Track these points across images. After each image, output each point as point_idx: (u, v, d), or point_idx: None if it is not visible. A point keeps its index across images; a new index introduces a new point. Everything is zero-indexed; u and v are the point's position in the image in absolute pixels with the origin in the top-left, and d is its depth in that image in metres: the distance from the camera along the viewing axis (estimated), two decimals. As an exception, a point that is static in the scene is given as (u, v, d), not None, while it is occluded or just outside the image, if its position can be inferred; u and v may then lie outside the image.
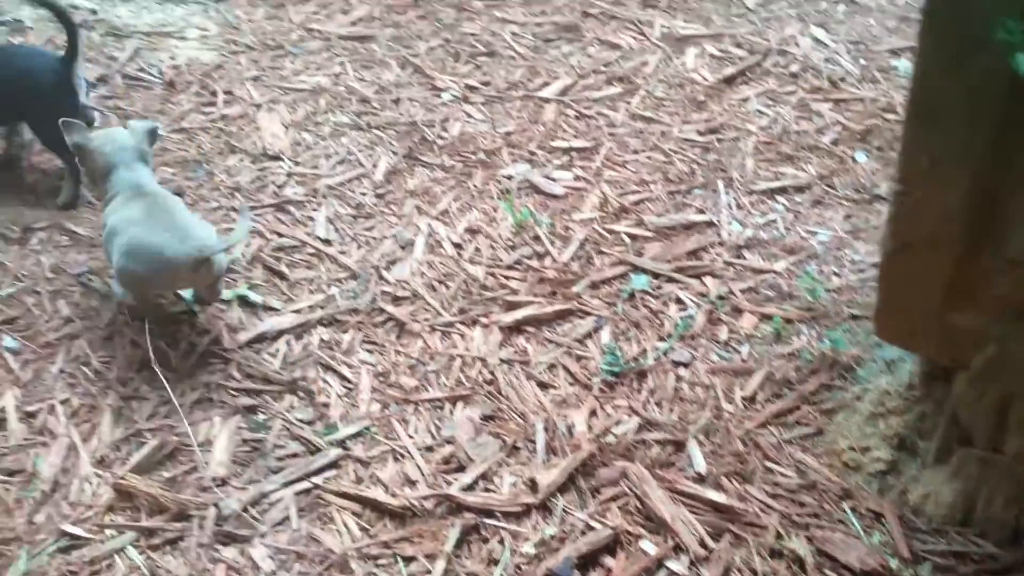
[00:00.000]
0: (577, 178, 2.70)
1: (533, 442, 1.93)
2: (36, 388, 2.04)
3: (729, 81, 3.10)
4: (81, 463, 1.89)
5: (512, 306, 2.27)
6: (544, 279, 2.34)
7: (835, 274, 2.35)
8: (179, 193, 2.64)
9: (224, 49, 3.42)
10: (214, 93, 3.11)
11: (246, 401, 2.04)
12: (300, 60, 3.36)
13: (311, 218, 2.59)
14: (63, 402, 2.01)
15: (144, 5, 3.73)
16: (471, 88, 3.14)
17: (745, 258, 2.41)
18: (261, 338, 2.20)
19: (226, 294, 2.28)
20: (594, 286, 2.33)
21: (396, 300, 2.31)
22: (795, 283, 2.31)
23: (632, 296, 2.29)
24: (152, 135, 2.28)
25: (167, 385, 2.03)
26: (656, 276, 2.34)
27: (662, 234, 2.49)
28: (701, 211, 2.56)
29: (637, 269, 2.36)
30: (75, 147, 2.22)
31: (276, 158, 2.80)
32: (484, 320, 2.24)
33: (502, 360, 2.13)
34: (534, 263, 2.40)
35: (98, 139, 2.22)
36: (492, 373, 2.10)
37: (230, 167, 2.77)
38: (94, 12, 3.52)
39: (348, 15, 3.69)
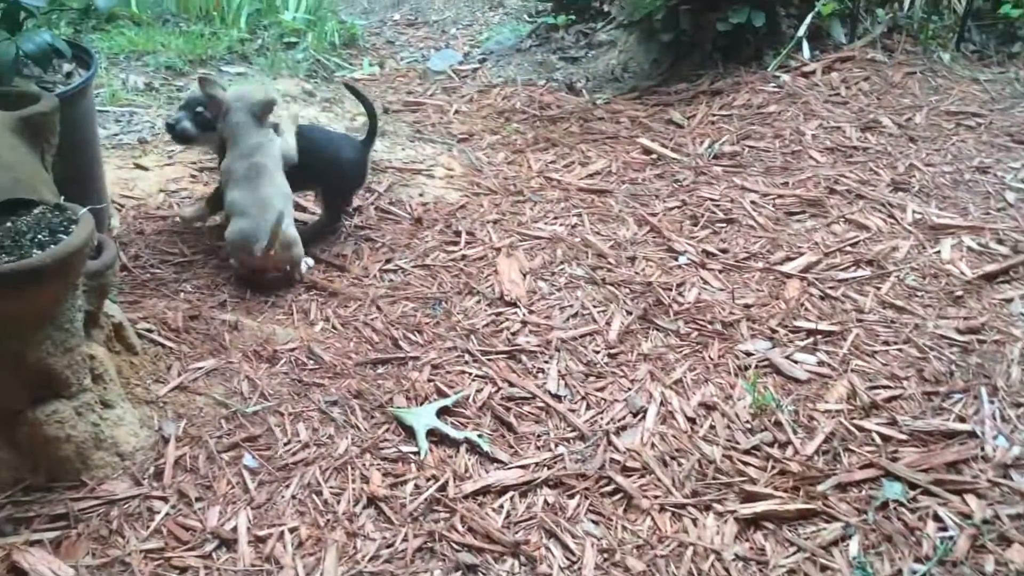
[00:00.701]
0: (822, 363, 2.56)
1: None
2: (268, 512, 2.06)
3: (990, 278, 2.90)
4: (302, 597, 1.87)
5: (750, 496, 2.13)
6: (786, 471, 2.19)
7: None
8: (418, 330, 2.69)
9: (468, 190, 3.54)
10: (457, 233, 3.19)
11: (468, 558, 1.97)
12: (539, 207, 3.42)
13: (542, 370, 2.56)
14: (292, 530, 2.01)
15: (397, 142, 3.94)
16: (708, 254, 3.09)
17: (1013, 479, 2.18)
18: (486, 491, 2.15)
19: (457, 435, 2.27)
20: (841, 487, 2.15)
21: (625, 470, 2.22)
22: (1074, 517, 2.06)
23: (885, 505, 2.10)
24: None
25: (392, 527, 2.00)
26: (912, 486, 2.15)
27: (918, 439, 2.29)
28: (962, 419, 2.36)
29: (890, 475, 2.17)
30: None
31: (512, 304, 2.82)
32: (718, 507, 2.10)
33: (737, 556, 1.99)
34: (775, 452, 2.26)
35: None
36: (727, 570, 1.95)
37: (467, 308, 2.81)
38: (356, 145, 3.74)
39: (586, 167, 3.76)
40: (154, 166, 3.55)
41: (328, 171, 3.11)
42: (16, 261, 1.79)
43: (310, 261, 2.97)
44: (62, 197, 2.07)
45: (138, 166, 3.53)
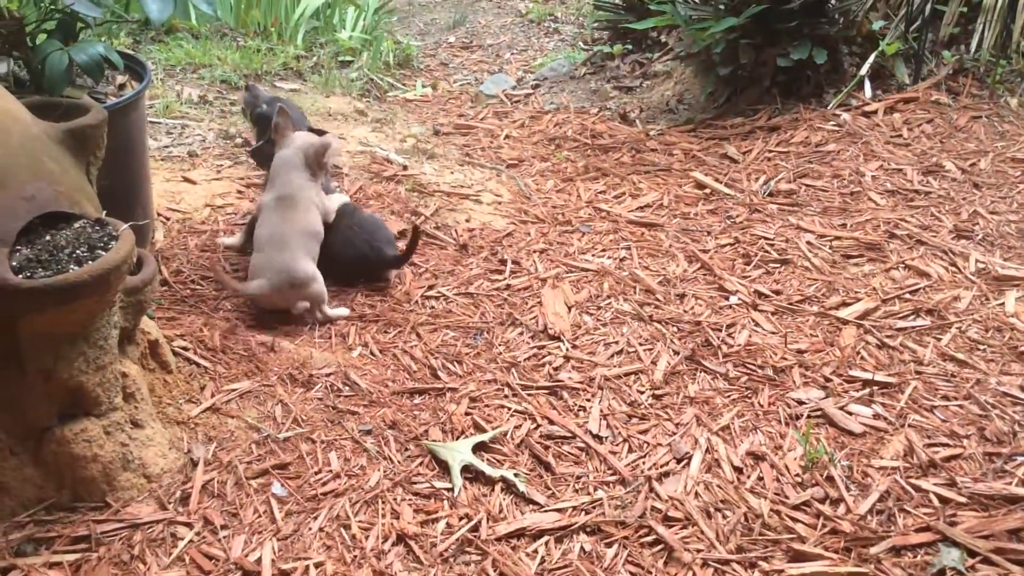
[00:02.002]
0: (877, 416, 2.44)
1: None
2: (294, 544, 1.99)
3: (1057, 334, 2.76)
4: (324, 637, 1.80)
5: (798, 556, 2.01)
6: (837, 531, 2.08)
7: None
8: (457, 360, 2.63)
9: (515, 217, 3.48)
10: (503, 261, 3.13)
11: (498, 605, 1.89)
12: (587, 239, 3.35)
13: (584, 408, 2.47)
14: (317, 565, 1.94)
15: (446, 165, 3.90)
16: (761, 295, 2.98)
17: (1081, 552, 2.04)
18: (520, 534, 2.07)
19: (492, 473, 2.19)
20: (896, 551, 2.03)
21: (667, 520, 2.12)
22: None
23: (942, 573, 1.97)
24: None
25: (421, 567, 1.92)
26: (971, 554, 2.02)
27: (978, 503, 2.17)
28: (1026, 483, 2.23)
29: (948, 541, 2.05)
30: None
31: (556, 338, 2.74)
32: (764, 565, 2.00)
33: (783, 619, 1.88)
34: (826, 509, 2.14)
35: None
36: (771, 634, 1.85)
37: (509, 340, 2.74)
38: (405, 167, 3.71)
39: (637, 199, 3.69)
40: (202, 180, 3.53)
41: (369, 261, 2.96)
42: (52, 276, 1.76)
43: (344, 311, 2.83)
44: (105, 212, 2.03)
45: (186, 179, 3.52)
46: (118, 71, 2.80)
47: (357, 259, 2.91)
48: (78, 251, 1.85)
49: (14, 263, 1.81)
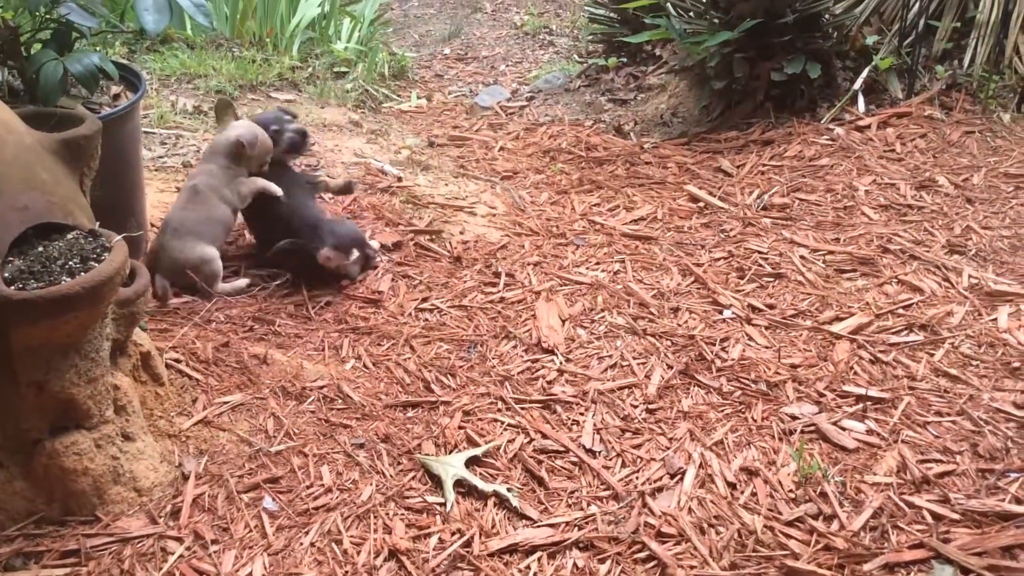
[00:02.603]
0: (871, 432, 2.44)
1: None
2: (285, 559, 1.98)
3: (1050, 350, 2.76)
4: (315, 654, 1.79)
5: (792, 572, 2.01)
6: (831, 547, 2.07)
7: None
8: (451, 373, 2.62)
9: (510, 230, 3.48)
10: (497, 274, 3.13)
11: (490, 621, 1.88)
12: (581, 251, 3.35)
13: (577, 422, 2.47)
14: (309, 580, 1.93)
15: (441, 176, 3.90)
16: (754, 309, 2.98)
17: (1074, 570, 2.04)
18: (513, 549, 2.06)
19: (485, 488, 2.18)
20: (889, 568, 2.03)
21: (660, 536, 2.11)
22: None
23: (935, 591, 1.97)
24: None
25: (413, 584, 1.92)
26: (965, 571, 2.02)
27: (972, 519, 2.16)
28: (1018, 500, 2.22)
29: (941, 557, 2.05)
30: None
31: (549, 351, 2.74)
32: (758, 582, 1.99)
33: (776, 637, 1.87)
34: (819, 525, 2.14)
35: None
36: (765, 651, 1.84)
37: (502, 353, 2.73)
38: (400, 179, 3.71)
39: (631, 212, 3.69)
40: (196, 191, 3.52)
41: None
42: (45, 287, 1.75)
43: (242, 282, 3.00)
44: (98, 223, 2.03)
45: (180, 190, 3.51)
46: (113, 81, 2.79)
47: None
48: (71, 262, 1.84)
49: (6, 274, 1.80)
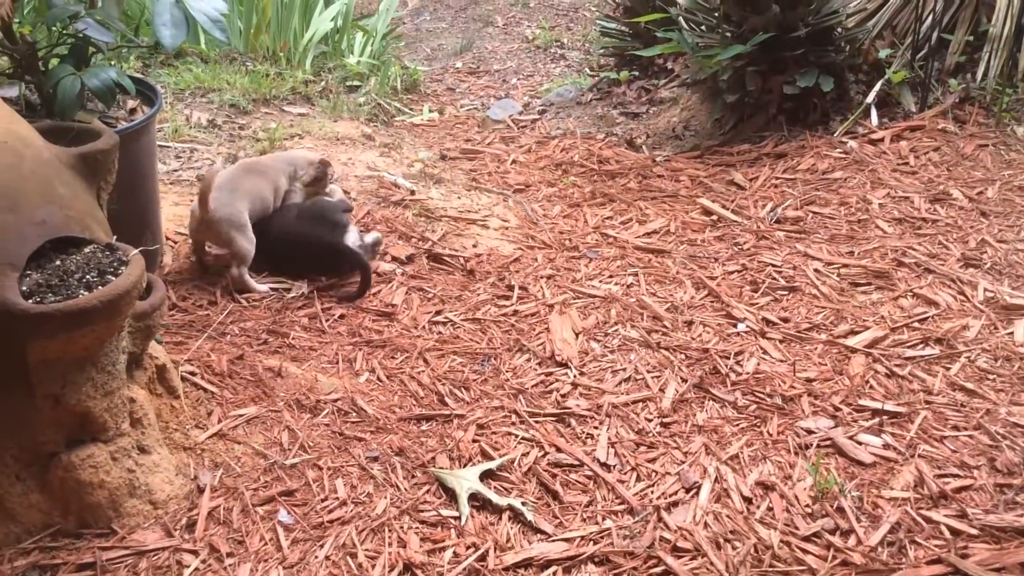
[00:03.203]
0: (887, 446, 2.43)
1: None
2: (300, 573, 1.98)
3: (1067, 364, 2.75)
4: (330, 668, 1.78)
5: (808, 588, 2.00)
6: (848, 562, 2.06)
7: None
8: (465, 386, 2.62)
9: (522, 243, 3.48)
10: (510, 287, 3.13)
11: (506, 636, 1.87)
12: (594, 264, 3.34)
13: (591, 436, 2.46)
14: (324, 594, 1.93)
15: (453, 190, 3.91)
16: (769, 322, 2.97)
17: (1094, 586, 2.02)
18: (528, 563, 2.05)
19: (500, 501, 2.18)
20: (907, 584, 2.02)
21: (676, 551, 2.10)
22: None
23: (954, 607, 1.96)
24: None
25: (428, 598, 1.91)
26: (984, 588, 2.00)
27: (990, 535, 2.15)
28: (1037, 515, 2.21)
29: (960, 573, 2.03)
30: None
31: (563, 364, 2.73)
32: (774, 598, 1.98)
33: (793, 653, 1.86)
34: (836, 540, 2.12)
35: None
36: (782, 668, 1.83)
37: (516, 366, 2.73)
38: (412, 192, 3.72)
39: (644, 225, 3.69)
40: (210, 204, 3.53)
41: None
42: (62, 301, 1.76)
43: (263, 287, 3.05)
44: (115, 236, 2.04)
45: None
46: (130, 96, 2.81)
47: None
48: (88, 276, 1.85)
49: (24, 288, 1.81)
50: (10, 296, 1.73)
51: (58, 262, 1.89)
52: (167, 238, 3.20)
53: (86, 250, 1.93)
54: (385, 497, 2.20)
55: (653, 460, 2.38)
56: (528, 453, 2.38)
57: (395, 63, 5.51)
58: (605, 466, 2.36)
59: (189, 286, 2.99)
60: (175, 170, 3.82)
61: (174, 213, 3.41)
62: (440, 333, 2.89)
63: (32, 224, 1.85)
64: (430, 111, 5.16)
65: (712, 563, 2.06)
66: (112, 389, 1.92)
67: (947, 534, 2.15)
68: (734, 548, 2.11)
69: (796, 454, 2.40)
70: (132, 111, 2.84)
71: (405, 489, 2.24)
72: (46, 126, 2.19)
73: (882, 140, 4.17)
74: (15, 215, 1.83)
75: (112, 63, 3.07)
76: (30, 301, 1.77)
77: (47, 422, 1.87)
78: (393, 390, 2.60)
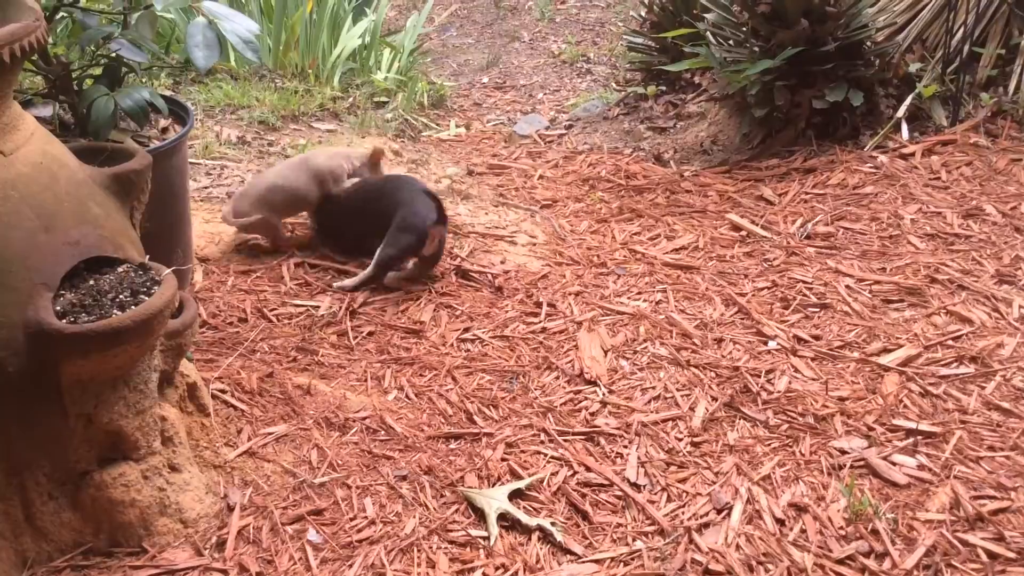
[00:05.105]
0: (922, 467, 2.39)
1: None
2: (330, 592, 1.98)
3: (1106, 383, 2.70)
4: None
5: (843, 612, 1.97)
6: (883, 586, 2.03)
7: None
8: (493, 405, 2.61)
9: (550, 259, 3.47)
10: (538, 304, 3.12)
11: (536, 659, 1.85)
12: (622, 281, 3.33)
13: (621, 455, 2.44)
14: (353, 614, 1.93)
15: (481, 205, 3.91)
16: (800, 340, 2.94)
17: None
18: (558, 585, 2.04)
19: (529, 522, 2.16)
20: (944, 609, 1.98)
21: (707, 573, 2.08)
22: None
23: (993, 633, 1.92)
24: None
25: (458, 620, 1.90)
26: (1023, 613, 1.96)
27: (1029, 559, 2.11)
28: (1078, 539, 2.16)
29: (999, 599, 2.00)
30: None
31: (592, 383, 2.72)
32: (808, 622, 1.95)
33: None
34: (871, 563, 2.09)
35: None
36: None
37: (545, 384, 2.72)
38: (440, 209, 3.72)
39: (672, 241, 3.67)
40: (240, 221, 3.56)
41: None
42: (96, 321, 1.77)
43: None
44: (147, 256, 2.05)
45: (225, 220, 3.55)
46: (162, 115, 2.84)
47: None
48: (121, 296, 1.87)
49: (58, 307, 1.82)
50: (44, 316, 1.75)
51: (91, 282, 1.90)
52: (197, 256, 3.22)
53: (119, 270, 1.95)
54: (414, 516, 2.19)
55: (684, 480, 2.36)
56: (557, 472, 2.36)
57: (422, 79, 5.54)
58: (635, 486, 2.34)
59: (219, 304, 3.00)
60: (205, 187, 3.85)
61: (204, 230, 3.43)
62: (468, 350, 2.88)
63: (66, 244, 1.87)
64: (457, 127, 5.17)
65: (744, 586, 2.04)
66: (144, 408, 1.93)
67: (984, 557, 2.11)
68: (767, 571, 2.08)
69: (829, 475, 2.37)
70: (164, 130, 2.86)
71: (434, 509, 2.23)
72: (80, 146, 2.21)
73: (913, 155, 4.13)
74: (50, 235, 1.84)
75: (144, 82, 3.10)
76: (64, 321, 1.78)
77: (79, 441, 1.88)
78: (421, 408, 2.60)
